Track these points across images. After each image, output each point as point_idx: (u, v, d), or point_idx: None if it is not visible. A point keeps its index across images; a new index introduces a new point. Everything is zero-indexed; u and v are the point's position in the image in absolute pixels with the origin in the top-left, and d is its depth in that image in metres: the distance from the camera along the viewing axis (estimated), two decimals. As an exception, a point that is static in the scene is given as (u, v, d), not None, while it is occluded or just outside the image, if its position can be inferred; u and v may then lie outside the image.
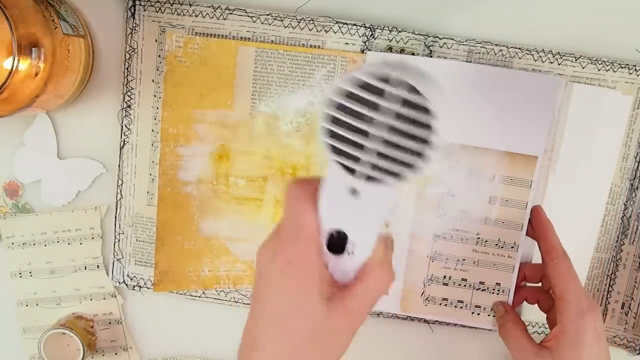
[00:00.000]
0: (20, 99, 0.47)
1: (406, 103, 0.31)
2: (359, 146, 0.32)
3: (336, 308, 0.37)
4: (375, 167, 0.33)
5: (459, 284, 0.56)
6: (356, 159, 0.33)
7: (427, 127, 0.32)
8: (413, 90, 0.31)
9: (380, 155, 0.32)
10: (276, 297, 0.36)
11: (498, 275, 0.55)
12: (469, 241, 0.55)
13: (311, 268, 0.36)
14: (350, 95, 0.32)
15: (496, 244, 0.54)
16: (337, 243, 0.37)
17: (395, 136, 0.32)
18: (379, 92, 0.32)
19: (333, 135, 0.33)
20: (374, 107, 0.32)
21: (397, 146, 0.32)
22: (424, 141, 0.32)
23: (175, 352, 0.61)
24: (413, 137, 0.32)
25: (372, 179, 0.33)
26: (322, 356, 0.37)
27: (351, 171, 0.33)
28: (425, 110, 0.32)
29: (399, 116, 0.32)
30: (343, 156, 0.33)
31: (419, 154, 0.32)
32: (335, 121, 0.33)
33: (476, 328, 0.57)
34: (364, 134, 0.32)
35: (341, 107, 0.33)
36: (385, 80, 0.31)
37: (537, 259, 0.56)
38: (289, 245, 0.37)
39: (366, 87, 0.32)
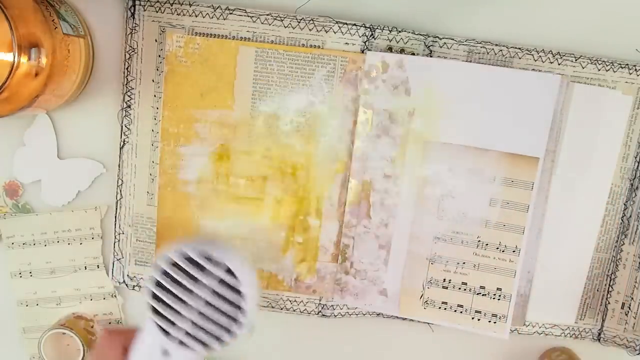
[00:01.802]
0: (20, 99, 0.47)
1: (222, 283, 0.37)
2: (177, 312, 0.37)
3: None
4: (188, 334, 0.37)
5: (459, 288, 0.56)
6: (172, 323, 0.37)
7: (237, 307, 0.37)
8: (229, 272, 0.37)
9: (194, 325, 0.37)
10: None
11: (499, 280, 0.55)
12: (469, 244, 0.55)
13: None
14: (176, 265, 0.37)
15: (497, 248, 0.54)
16: None
17: (209, 310, 0.37)
18: (201, 268, 0.36)
19: (155, 297, 0.37)
20: (194, 280, 0.36)
21: (209, 319, 0.37)
22: (233, 319, 0.37)
23: (175, 352, 0.61)
24: (224, 314, 0.37)
25: (184, 344, 0.37)
26: None
27: (166, 333, 0.37)
28: (237, 292, 0.37)
29: (214, 293, 0.37)
30: (161, 318, 0.37)
31: (227, 330, 0.37)
32: (159, 285, 0.37)
33: (476, 328, 0.57)
34: (183, 302, 0.37)
35: (166, 275, 0.37)
36: (208, 258, 0.36)
37: (541, 264, 0.56)
38: None
39: (190, 261, 0.37)
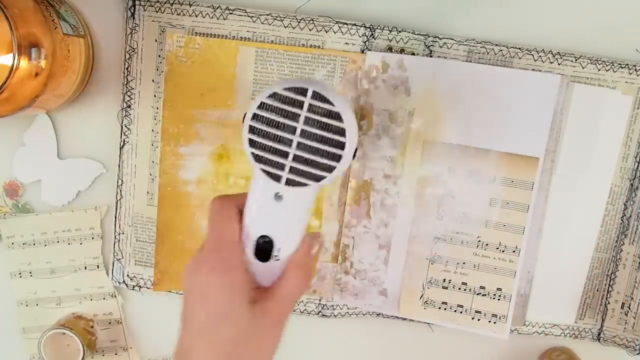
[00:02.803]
0: (20, 99, 0.47)
1: (320, 112, 0.36)
2: (281, 153, 0.36)
3: (259, 311, 0.38)
4: (294, 171, 0.36)
5: (459, 288, 0.56)
6: (279, 166, 0.37)
7: (340, 131, 0.36)
8: (326, 100, 0.35)
9: (300, 159, 0.36)
10: (201, 306, 0.38)
11: (499, 280, 0.55)
12: (469, 244, 0.55)
13: (234, 274, 0.38)
14: (272, 108, 0.36)
15: (497, 248, 0.54)
16: (264, 249, 0.39)
17: (312, 142, 0.36)
18: (299, 104, 0.36)
19: (256, 144, 0.37)
20: (294, 117, 0.36)
21: (315, 150, 0.36)
22: (338, 144, 0.36)
23: (175, 352, 0.61)
24: (328, 141, 0.36)
25: (292, 182, 0.37)
26: (253, 358, 0.39)
27: (275, 178, 0.37)
28: (338, 116, 0.36)
29: (315, 123, 0.36)
30: (267, 164, 0.37)
31: (334, 156, 0.36)
32: (258, 132, 0.36)
33: (476, 328, 0.57)
34: (285, 142, 0.36)
35: (263, 119, 0.36)
36: (303, 92, 0.36)
37: (541, 264, 0.56)
38: (211, 255, 0.38)
39: (286, 100, 0.36)
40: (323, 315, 0.58)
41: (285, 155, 0.36)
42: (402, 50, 0.54)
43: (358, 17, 0.54)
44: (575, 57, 0.54)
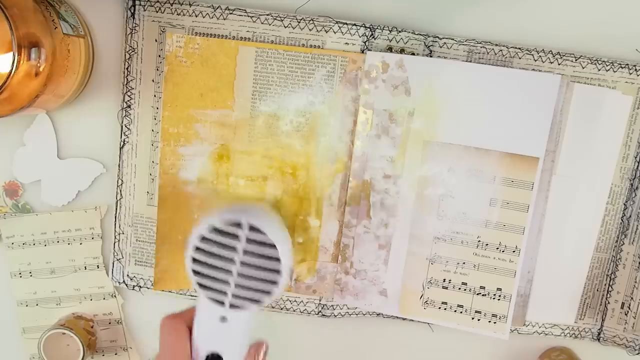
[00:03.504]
0: (20, 99, 0.47)
1: (256, 242, 0.40)
2: (223, 282, 0.40)
3: None
4: (238, 297, 0.41)
5: (459, 288, 0.56)
6: (223, 293, 0.40)
7: (275, 259, 0.40)
8: (259, 231, 0.40)
9: (241, 287, 0.40)
10: None
11: (499, 280, 0.55)
12: (469, 244, 0.55)
13: None
14: (210, 241, 0.40)
15: (497, 248, 0.54)
16: None
17: (251, 270, 0.40)
18: (234, 236, 0.40)
19: (200, 274, 0.41)
20: (231, 248, 0.40)
21: (254, 278, 0.40)
22: (275, 271, 0.40)
23: (175, 352, 0.61)
24: (265, 269, 0.40)
25: (237, 307, 0.41)
26: None
27: (220, 303, 0.41)
28: (272, 246, 0.40)
29: (252, 254, 0.40)
30: (211, 291, 0.41)
31: (272, 282, 0.40)
32: (201, 262, 0.40)
33: (476, 328, 0.57)
34: (226, 271, 0.40)
35: (204, 251, 0.40)
36: (237, 224, 0.40)
37: (541, 264, 0.56)
38: None
39: (222, 232, 0.40)
40: (323, 315, 0.58)
41: (227, 282, 0.40)
42: (402, 50, 0.54)
43: (358, 17, 0.54)
44: (575, 57, 0.54)
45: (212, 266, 0.40)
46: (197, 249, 0.40)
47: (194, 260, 0.40)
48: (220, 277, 0.40)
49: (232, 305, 0.41)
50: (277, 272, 0.40)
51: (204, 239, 0.40)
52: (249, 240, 0.40)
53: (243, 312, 0.41)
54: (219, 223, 0.40)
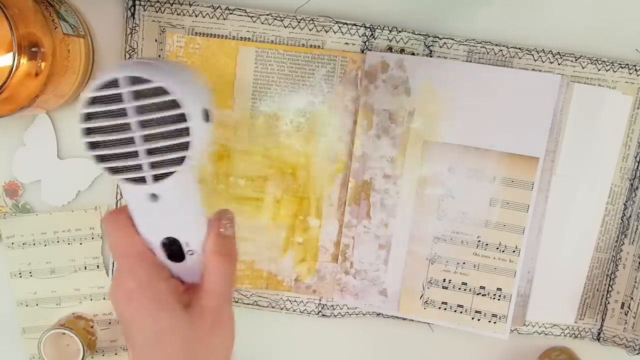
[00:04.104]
0: (20, 99, 0.47)
1: (146, 94, 0.32)
2: (132, 155, 0.33)
3: (195, 313, 0.36)
4: (155, 165, 0.33)
5: (459, 288, 0.56)
6: (137, 168, 0.33)
7: (173, 104, 0.32)
8: (142, 81, 0.32)
9: (153, 152, 0.33)
10: (138, 329, 0.36)
11: (499, 280, 0.55)
12: (469, 244, 0.55)
13: (155, 284, 0.36)
14: (94, 115, 0.33)
15: (497, 248, 0.54)
16: (173, 250, 0.37)
17: (155, 128, 0.33)
18: (117, 98, 0.32)
19: (104, 158, 0.34)
20: (121, 113, 0.32)
21: (162, 136, 0.33)
22: (180, 118, 0.33)
23: (175, 352, 0.61)
24: (170, 120, 0.33)
25: (160, 177, 0.34)
26: None
27: (141, 181, 0.34)
28: (163, 91, 0.32)
29: (146, 108, 0.32)
30: (124, 172, 0.34)
31: (183, 131, 0.33)
32: (98, 144, 0.33)
33: (476, 328, 0.57)
34: (129, 140, 0.33)
35: (94, 129, 0.33)
36: (114, 84, 0.32)
37: (541, 264, 0.56)
38: (125, 275, 0.36)
39: (103, 100, 0.32)
40: (323, 315, 0.58)
41: (135, 154, 0.33)
42: (402, 50, 0.54)
43: (358, 17, 0.54)
44: (575, 57, 0.54)
45: (112, 142, 0.33)
46: (88, 130, 0.33)
47: (90, 145, 0.33)
48: (126, 151, 0.33)
49: (155, 177, 0.34)
50: (183, 118, 0.33)
51: (88, 115, 0.33)
52: (135, 96, 0.32)
53: (170, 180, 0.34)
54: (94, 91, 0.32)
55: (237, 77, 0.55)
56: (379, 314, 0.58)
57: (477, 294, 0.55)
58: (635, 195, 0.55)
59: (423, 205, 0.55)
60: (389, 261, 0.56)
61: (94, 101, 0.33)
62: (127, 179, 0.34)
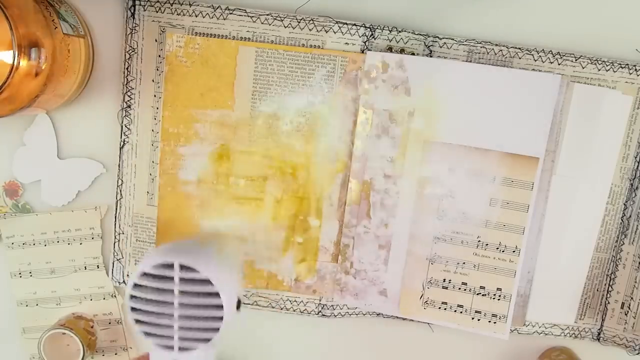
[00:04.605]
0: (20, 99, 0.47)
1: (191, 281, 0.38)
2: (168, 327, 0.39)
3: None
4: (185, 339, 0.39)
5: (459, 288, 0.56)
6: (170, 337, 0.39)
7: (215, 295, 0.38)
8: (192, 269, 0.38)
9: (186, 329, 0.39)
10: None
11: (499, 280, 0.55)
12: (469, 244, 0.55)
13: None
14: (145, 287, 0.38)
15: (497, 248, 0.54)
16: None
17: (192, 310, 0.38)
18: (168, 279, 0.38)
19: (142, 323, 0.39)
20: (167, 292, 0.38)
21: (196, 318, 0.38)
22: (217, 307, 0.38)
23: (175, 352, 0.61)
24: (206, 307, 0.38)
25: (186, 349, 0.39)
26: None
27: (169, 348, 0.39)
28: (208, 282, 0.38)
29: (189, 293, 0.38)
30: (157, 337, 0.39)
31: (216, 318, 0.39)
32: (141, 311, 0.39)
33: (476, 328, 0.57)
34: (168, 315, 0.38)
35: (141, 299, 0.39)
36: (170, 266, 0.38)
37: (541, 264, 0.56)
38: None
39: (155, 277, 0.38)
40: (323, 315, 0.58)
41: (171, 327, 0.39)
42: (402, 50, 0.54)
43: (358, 17, 0.54)
44: (575, 57, 0.54)
45: (153, 312, 0.39)
46: (134, 297, 0.39)
47: (133, 309, 0.39)
48: (163, 322, 0.39)
49: (181, 349, 0.39)
50: (219, 307, 0.38)
51: (138, 286, 0.39)
52: (182, 280, 0.38)
53: (195, 353, 0.39)
54: (149, 268, 0.38)
55: (237, 77, 0.55)
56: (379, 314, 0.58)
57: (477, 294, 0.55)
58: (635, 195, 0.55)
59: (423, 205, 0.55)
60: (389, 261, 0.56)
61: (146, 276, 0.38)
62: (160, 344, 0.39)
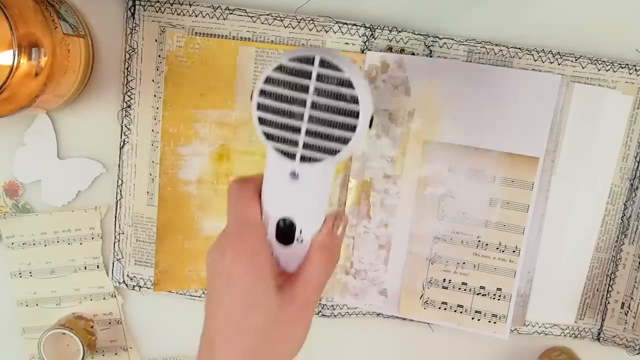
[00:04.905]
0: (20, 99, 0.47)
1: (330, 80, 0.33)
2: (293, 129, 0.34)
3: (286, 297, 0.37)
4: (310, 147, 0.34)
5: (459, 288, 0.56)
6: (292, 142, 0.35)
7: (352, 99, 0.33)
8: (335, 68, 0.33)
9: (313, 133, 0.34)
10: (226, 293, 0.36)
11: (499, 280, 0.55)
12: (469, 244, 0.55)
13: (259, 257, 0.36)
14: (279, 81, 0.34)
15: (497, 248, 0.54)
16: (286, 232, 0.38)
17: (324, 113, 0.34)
18: (307, 74, 0.34)
19: (266, 122, 0.35)
20: (303, 88, 0.34)
21: (328, 122, 0.34)
22: (352, 114, 0.34)
23: (175, 352, 0.61)
24: (341, 111, 0.34)
25: (309, 159, 0.35)
26: (282, 349, 0.37)
27: (289, 155, 0.35)
28: (349, 84, 0.33)
29: (326, 93, 0.34)
30: (279, 141, 0.35)
31: (348, 127, 0.34)
32: (267, 108, 0.35)
33: (476, 328, 0.57)
34: (296, 116, 0.34)
35: (271, 94, 0.34)
36: (310, 61, 0.33)
37: (541, 264, 0.56)
38: (234, 239, 0.37)
39: (293, 71, 0.34)
40: (323, 315, 0.58)
41: (297, 130, 0.34)
42: (402, 50, 0.54)
43: (358, 17, 0.54)
44: (575, 57, 0.54)
45: (281, 111, 0.34)
46: (263, 92, 0.34)
47: (260, 106, 0.35)
48: (290, 123, 0.34)
49: (303, 158, 0.35)
50: (355, 115, 0.33)
51: (270, 80, 0.34)
52: (320, 78, 0.33)
53: (316, 166, 0.35)
54: (286, 60, 0.34)
55: (237, 77, 0.55)
56: (379, 314, 0.58)
57: (477, 294, 0.55)
58: (635, 195, 0.55)
59: (423, 205, 0.55)
60: (389, 261, 0.56)
61: (281, 69, 0.34)
62: (280, 149, 0.35)
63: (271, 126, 0.35)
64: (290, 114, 0.34)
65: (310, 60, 0.33)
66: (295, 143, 0.34)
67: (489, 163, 0.54)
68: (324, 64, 0.33)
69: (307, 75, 0.34)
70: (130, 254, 0.58)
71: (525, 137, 0.53)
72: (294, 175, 0.36)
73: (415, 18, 0.54)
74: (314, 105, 0.34)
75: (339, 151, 0.34)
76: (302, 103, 0.34)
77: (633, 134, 0.54)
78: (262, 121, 0.35)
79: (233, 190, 0.38)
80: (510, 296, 0.55)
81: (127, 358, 0.61)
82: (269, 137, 0.35)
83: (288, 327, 0.37)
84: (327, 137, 0.34)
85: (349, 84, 0.33)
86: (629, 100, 0.54)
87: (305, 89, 0.34)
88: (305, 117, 0.34)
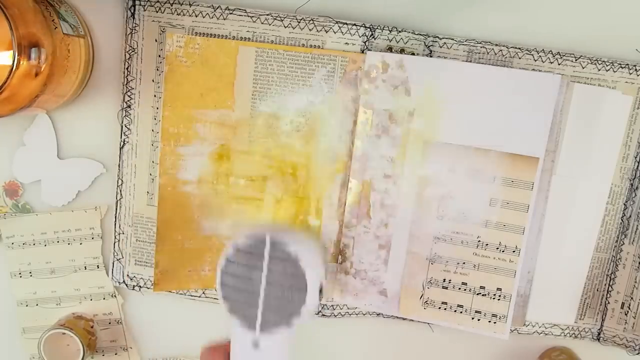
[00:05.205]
0: (20, 99, 0.47)
1: (280, 259, 0.39)
2: (253, 305, 0.39)
3: None
4: (267, 321, 0.39)
5: (459, 288, 0.56)
6: (254, 317, 0.39)
7: (301, 277, 0.38)
8: (283, 247, 0.38)
9: (270, 309, 0.39)
10: None
11: (499, 280, 0.55)
12: (469, 244, 0.55)
13: None
14: (236, 263, 0.39)
15: (497, 248, 0.54)
16: None
17: (278, 290, 0.39)
18: (259, 255, 0.39)
19: (229, 299, 0.40)
20: (256, 268, 0.39)
21: (281, 298, 0.39)
22: (302, 289, 0.39)
23: (175, 352, 0.61)
24: (292, 288, 0.39)
25: (267, 331, 0.40)
26: None
27: (250, 327, 0.40)
28: (296, 261, 0.38)
29: (277, 271, 0.39)
30: (241, 316, 0.40)
31: (300, 302, 0.39)
32: (228, 287, 0.40)
33: (476, 328, 0.57)
34: (254, 293, 0.39)
35: (231, 274, 0.40)
36: (261, 242, 0.39)
37: (541, 264, 0.56)
38: None
39: (247, 253, 0.39)
40: (323, 315, 0.58)
41: (256, 305, 0.39)
42: (402, 50, 0.54)
43: (358, 17, 0.54)
44: (575, 57, 0.54)
45: (240, 289, 0.40)
46: (225, 272, 0.40)
47: (223, 284, 0.40)
48: (249, 300, 0.39)
49: (262, 330, 0.40)
50: (303, 289, 0.39)
51: (230, 261, 0.40)
52: (272, 258, 0.39)
53: (275, 337, 0.40)
54: (242, 242, 0.39)
55: (237, 77, 0.55)
56: (379, 314, 0.58)
57: (477, 294, 0.55)
58: (635, 195, 0.55)
59: (423, 205, 0.55)
60: (389, 261, 0.56)
61: (238, 251, 0.39)
62: (243, 323, 0.40)
63: (234, 303, 0.40)
64: (249, 292, 0.39)
65: (262, 242, 0.39)
66: (255, 318, 0.39)
67: (489, 163, 0.54)
68: (274, 244, 0.39)
69: (261, 256, 0.39)
70: (130, 254, 0.58)
71: (525, 137, 0.53)
72: (256, 344, 0.40)
73: (415, 18, 0.54)
74: (269, 283, 0.39)
75: (292, 323, 0.39)
76: (258, 281, 0.39)
77: (633, 134, 0.54)
78: (226, 299, 0.40)
79: (204, 357, 0.43)
80: (510, 296, 0.55)
81: (127, 358, 0.61)
82: (232, 312, 0.40)
83: None
84: (282, 312, 0.39)
85: (296, 261, 0.38)
86: (629, 100, 0.54)
87: (260, 269, 0.39)
88: (261, 295, 0.39)
